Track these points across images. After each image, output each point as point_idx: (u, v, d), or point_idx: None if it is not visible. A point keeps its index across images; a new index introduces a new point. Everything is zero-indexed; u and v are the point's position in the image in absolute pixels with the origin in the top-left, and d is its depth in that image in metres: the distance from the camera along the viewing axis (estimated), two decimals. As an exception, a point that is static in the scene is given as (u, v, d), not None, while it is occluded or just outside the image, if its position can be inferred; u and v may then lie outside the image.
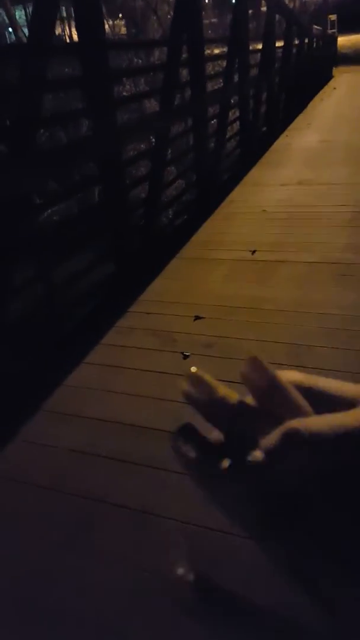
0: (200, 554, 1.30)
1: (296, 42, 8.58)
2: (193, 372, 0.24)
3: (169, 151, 4.07)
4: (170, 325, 2.37)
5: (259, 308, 2.43)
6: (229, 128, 5.17)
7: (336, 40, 22.79)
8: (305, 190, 4.25)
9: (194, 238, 3.49)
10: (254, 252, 3.10)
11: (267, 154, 5.73)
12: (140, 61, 9.42)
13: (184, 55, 3.67)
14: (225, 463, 0.21)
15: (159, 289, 2.77)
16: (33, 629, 1.19)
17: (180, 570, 0.24)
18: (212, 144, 4.40)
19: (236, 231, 3.54)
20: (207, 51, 6.03)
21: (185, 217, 4.14)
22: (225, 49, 4.82)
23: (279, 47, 7.16)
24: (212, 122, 4.61)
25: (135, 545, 1.34)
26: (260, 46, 6.21)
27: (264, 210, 3.83)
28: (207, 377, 0.24)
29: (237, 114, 5.34)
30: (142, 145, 4.77)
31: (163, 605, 1.09)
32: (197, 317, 2.42)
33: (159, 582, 1.15)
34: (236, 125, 5.43)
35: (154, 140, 3.50)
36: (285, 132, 7.01)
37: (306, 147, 5.96)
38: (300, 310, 2.42)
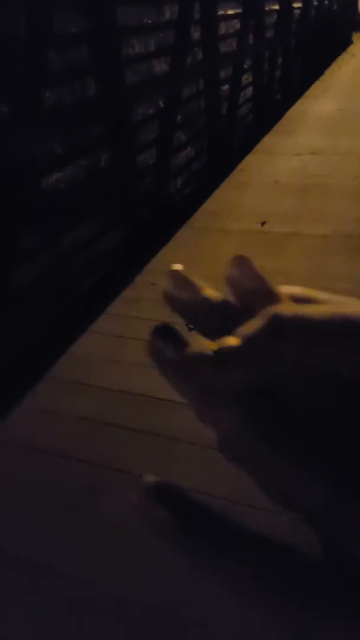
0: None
1: (315, 2, 8.20)
2: (175, 270, 0.21)
3: (179, 115, 3.93)
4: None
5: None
6: (242, 93, 4.98)
7: (357, 2, 21.80)
8: (320, 160, 4.12)
9: (204, 207, 3.41)
10: (263, 223, 3.02)
11: (281, 121, 5.55)
12: (150, 22, 9.05)
13: (196, 16, 3.50)
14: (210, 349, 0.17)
15: (167, 259, 2.71)
16: (41, 588, 1.21)
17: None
18: (224, 109, 4.24)
19: (247, 201, 3.45)
20: (221, 11, 5.77)
21: (195, 185, 4.03)
22: (239, 10, 4.59)
23: (296, 9, 6.85)
24: (225, 86, 4.44)
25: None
26: (276, 6, 5.93)
27: (276, 181, 3.72)
28: (191, 276, 0.21)
29: (251, 78, 5.13)
30: (150, 111, 4.61)
31: (170, 563, 1.09)
32: (205, 289, 2.37)
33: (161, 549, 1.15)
34: (249, 91, 5.22)
35: (162, 103, 3.36)
36: (301, 100, 6.77)
37: (322, 116, 5.76)
38: (311, 284, 2.33)
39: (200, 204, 3.45)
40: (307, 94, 7.20)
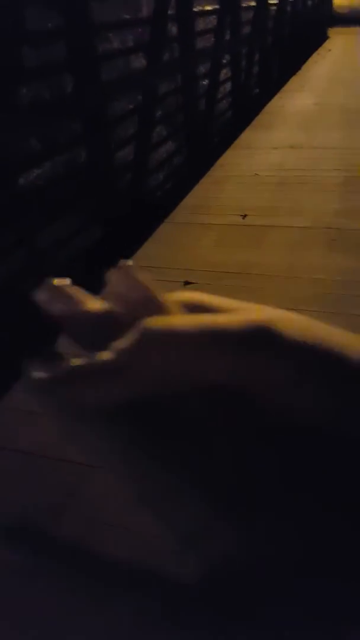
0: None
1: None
2: (51, 283, 0.20)
3: (158, 111, 3.94)
4: (160, 290, 2.34)
5: (249, 273, 2.41)
6: (221, 88, 5.01)
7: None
8: (298, 154, 4.17)
9: (184, 202, 3.42)
10: (244, 216, 3.05)
11: (259, 116, 5.58)
12: (127, 17, 9.03)
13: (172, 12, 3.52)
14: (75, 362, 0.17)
15: (149, 254, 2.72)
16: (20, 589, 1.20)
17: None
18: (203, 105, 4.27)
19: (227, 195, 3.47)
20: (198, 7, 5.80)
21: (175, 180, 4.04)
22: (216, 6, 4.62)
23: (272, 5, 6.91)
24: (203, 81, 4.46)
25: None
26: (253, 3, 5.97)
27: (256, 174, 3.75)
28: (71, 288, 0.20)
29: (229, 73, 5.17)
30: (130, 106, 4.62)
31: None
32: (187, 283, 2.39)
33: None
34: (228, 86, 5.26)
35: (141, 98, 3.37)
36: (279, 94, 6.82)
37: (300, 110, 5.82)
38: (291, 276, 2.41)
39: (181, 198, 3.46)
40: (284, 88, 7.26)
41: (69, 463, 1.49)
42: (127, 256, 2.16)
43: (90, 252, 2.78)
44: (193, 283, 2.36)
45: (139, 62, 4.73)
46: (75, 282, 0.22)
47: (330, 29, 17.51)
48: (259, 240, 2.79)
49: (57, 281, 0.20)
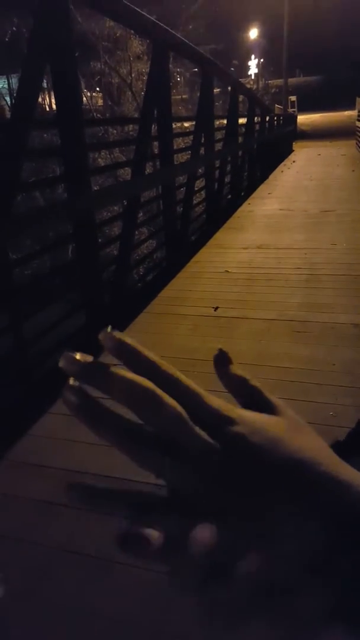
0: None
1: (258, 119, 9.43)
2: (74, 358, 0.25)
3: (140, 214, 4.37)
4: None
5: (220, 360, 2.60)
6: (197, 195, 5.58)
7: (296, 118, 24.94)
8: (265, 254, 4.58)
9: (162, 294, 3.70)
10: (216, 308, 3.32)
11: (231, 220, 6.14)
12: (115, 131, 10.09)
13: (155, 128, 4.06)
14: None
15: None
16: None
17: None
18: (181, 209, 4.74)
19: (201, 289, 3.77)
20: (178, 124, 6.59)
21: (155, 274, 4.38)
22: (193, 123, 5.30)
23: (242, 124, 7.88)
24: (181, 189, 4.99)
25: (94, 592, 1.38)
26: (224, 121, 6.83)
27: (227, 271, 4.10)
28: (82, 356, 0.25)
29: (204, 182, 5.79)
30: (116, 208, 5.09)
31: None
32: (162, 368, 2.56)
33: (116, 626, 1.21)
34: (203, 193, 5.86)
35: (126, 204, 3.78)
36: (248, 200, 7.53)
37: (267, 214, 6.43)
38: (258, 363, 2.59)
39: (159, 291, 3.75)
40: (254, 195, 8.03)
41: (41, 546, 1.54)
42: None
43: (73, 337, 2.96)
44: (169, 369, 2.54)
45: (125, 172, 5.29)
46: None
47: (295, 142, 19.65)
48: (229, 330, 3.03)
49: (79, 355, 0.24)
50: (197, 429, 0.24)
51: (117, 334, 0.25)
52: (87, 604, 1.35)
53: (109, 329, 0.25)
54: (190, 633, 1.15)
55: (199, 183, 5.61)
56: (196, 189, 5.41)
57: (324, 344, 2.74)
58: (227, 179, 6.72)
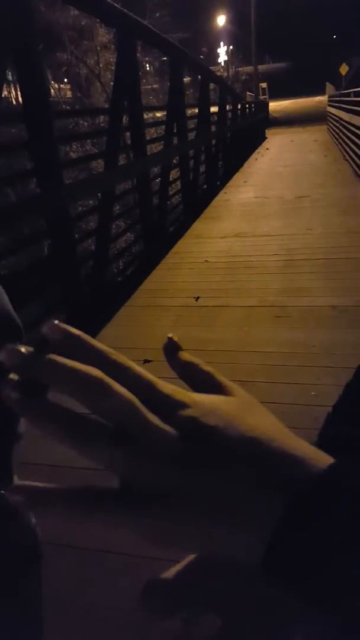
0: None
1: (230, 107, 9.41)
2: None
3: (116, 207, 4.33)
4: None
5: (204, 349, 2.59)
6: (172, 186, 5.55)
7: (267, 105, 24.96)
8: (243, 242, 4.60)
9: (143, 287, 3.69)
10: (197, 298, 3.33)
11: (207, 209, 6.15)
12: (86, 123, 9.95)
13: (127, 119, 4.02)
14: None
15: (110, 336, 2.90)
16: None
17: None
18: (157, 201, 4.72)
19: (181, 279, 3.78)
20: (150, 114, 6.54)
21: (134, 267, 4.36)
22: (165, 113, 5.26)
23: (214, 112, 7.86)
24: (157, 180, 4.97)
25: (85, 583, 1.39)
26: (196, 110, 6.80)
27: (206, 261, 4.11)
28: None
29: (179, 173, 5.77)
30: (90, 202, 5.04)
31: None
32: (146, 361, 2.55)
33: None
34: (179, 184, 5.84)
35: (100, 197, 3.74)
36: (224, 189, 7.55)
37: (243, 202, 6.45)
38: (241, 349, 2.61)
39: (140, 283, 3.74)
40: (229, 184, 8.04)
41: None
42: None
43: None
44: (152, 361, 2.54)
45: (98, 164, 5.23)
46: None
47: (267, 129, 19.69)
48: (211, 319, 3.04)
49: (23, 348, 0.23)
50: (150, 415, 0.23)
51: (63, 325, 0.24)
52: (77, 593, 1.36)
53: (56, 321, 0.24)
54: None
55: (175, 174, 5.59)
56: (171, 179, 5.39)
57: (304, 327, 2.78)
58: (202, 169, 6.71)
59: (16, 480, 0.63)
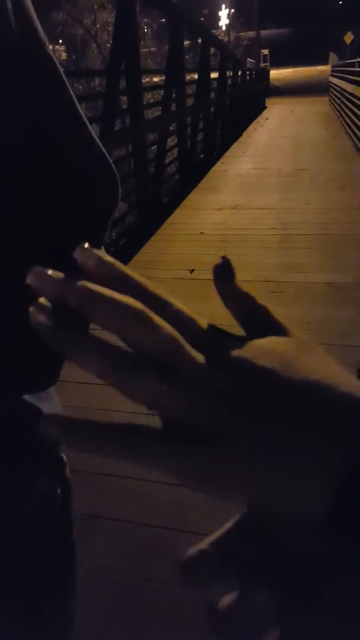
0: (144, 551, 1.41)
1: (230, 74, 9.14)
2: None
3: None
4: (116, 342, 2.49)
5: (197, 323, 2.61)
6: (169, 154, 5.42)
7: (268, 73, 24.30)
8: (240, 214, 4.53)
9: (136, 258, 3.64)
10: (192, 271, 3.29)
11: (204, 180, 6.03)
12: (81, 87, 9.62)
13: (123, 84, 3.88)
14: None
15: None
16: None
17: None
18: (152, 169, 4.60)
19: (176, 251, 3.73)
20: (147, 79, 6.33)
21: (128, 238, 4.29)
22: (163, 77, 5.09)
23: (214, 78, 7.62)
24: (152, 147, 4.83)
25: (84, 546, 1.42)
26: (195, 76, 6.59)
27: (202, 233, 4.05)
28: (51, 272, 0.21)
29: (176, 141, 5.62)
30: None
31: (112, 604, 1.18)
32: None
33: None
34: (175, 152, 5.70)
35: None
36: (222, 159, 7.39)
37: (241, 174, 6.33)
38: (235, 324, 2.60)
39: (133, 255, 3.69)
40: (227, 154, 7.88)
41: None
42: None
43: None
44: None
45: (94, 130, 5.09)
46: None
47: (267, 99, 19.24)
48: (205, 292, 2.99)
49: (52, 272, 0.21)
50: (195, 352, 0.21)
51: (96, 250, 0.21)
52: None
53: (87, 244, 0.21)
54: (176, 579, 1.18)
55: (171, 142, 5.44)
56: (168, 147, 5.25)
57: (299, 303, 2.77)
58: (199, 137, 6.55)
59: (56, 399, 0.58)
